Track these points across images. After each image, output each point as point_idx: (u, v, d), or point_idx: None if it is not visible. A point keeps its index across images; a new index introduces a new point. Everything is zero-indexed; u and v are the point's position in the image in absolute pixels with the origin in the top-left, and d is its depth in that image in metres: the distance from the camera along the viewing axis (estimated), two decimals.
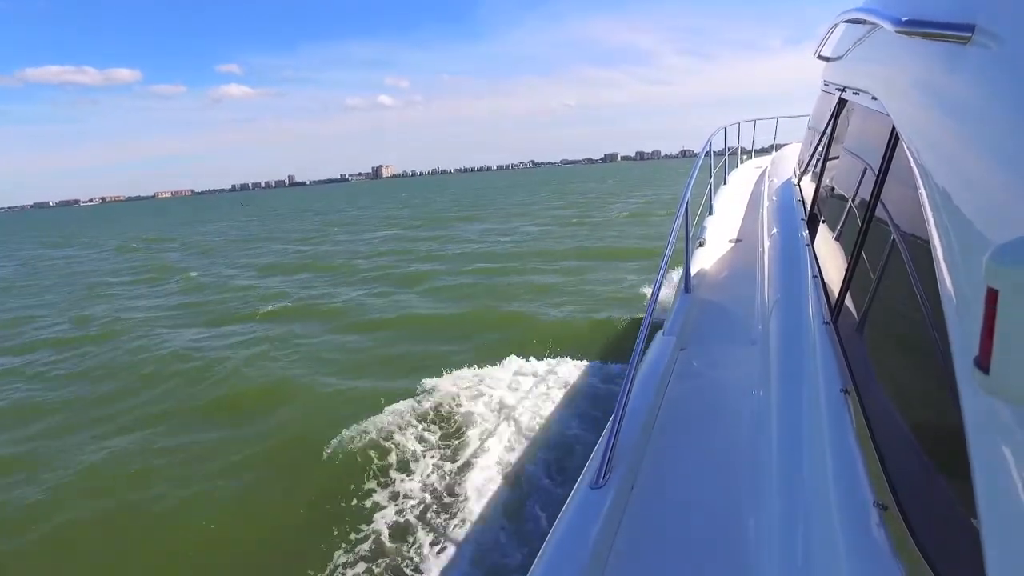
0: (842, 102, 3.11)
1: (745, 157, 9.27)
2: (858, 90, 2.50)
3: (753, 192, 6.54)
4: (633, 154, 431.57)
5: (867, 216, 1.74)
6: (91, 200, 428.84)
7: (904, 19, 1.27)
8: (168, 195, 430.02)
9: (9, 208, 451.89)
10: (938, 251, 0.97)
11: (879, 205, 1.65)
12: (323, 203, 78.77)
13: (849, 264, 1.87)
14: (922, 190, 1.13)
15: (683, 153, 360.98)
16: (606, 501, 1.64)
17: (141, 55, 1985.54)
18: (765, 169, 7.40)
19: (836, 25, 3.10)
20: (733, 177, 7.37)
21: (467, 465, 5.43)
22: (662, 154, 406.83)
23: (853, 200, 2.15)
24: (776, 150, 8.70)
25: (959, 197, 0.95)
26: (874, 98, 2.01)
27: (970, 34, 1.00)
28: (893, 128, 1.58)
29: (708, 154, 4.89)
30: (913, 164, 1.25)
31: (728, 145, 6.87)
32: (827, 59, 3.74)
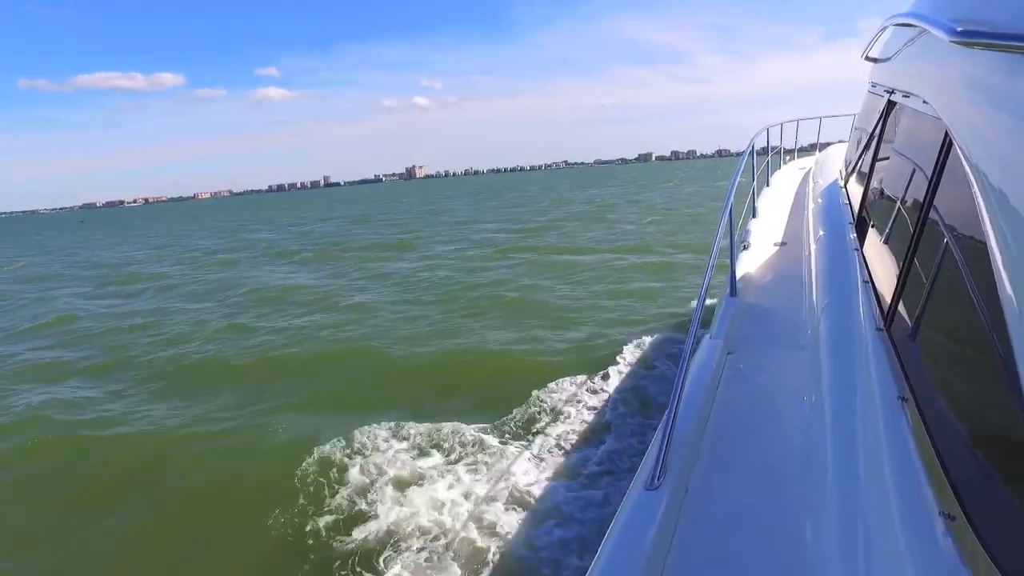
0: (891, 104, 3.07)
1: (788, 158, 9.07)
2: (908, 93, 2.48)
3: (797, 194, 6.41)
4: (668, 154, 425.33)
5: (920, 220, 1.73)
6: (135, 201, 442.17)
7: (959, 29, 1.28)
8: (207, 196, 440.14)
9: (61, 209, 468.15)
10: (996, 255, 0.98)
11: (932, 209, 1.65)
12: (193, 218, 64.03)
13: (902, 269, 1.85)
14: (978, 195, 1.15)
15: (719, 152, 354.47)
16: (662, 503, 1.63)
17: (185, 60, 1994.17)
18: (809, 170, 7.23)
19: (885, 28, 3.07)
20: (775, 179, 7.21)
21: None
22: (697, 153, 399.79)
23: (905, 203, 2.13)
24: (819, 150, 8.51)
25: (1017, 201, 0.96)
26: (925, 102, 2.00)
27: None
28: (946, 132, 1.58)
29: (751, 155, 4.82)
30: (968, 168, 1.26)
31: (771, 145, 6.75)
32: (875, 60, 3.69)
